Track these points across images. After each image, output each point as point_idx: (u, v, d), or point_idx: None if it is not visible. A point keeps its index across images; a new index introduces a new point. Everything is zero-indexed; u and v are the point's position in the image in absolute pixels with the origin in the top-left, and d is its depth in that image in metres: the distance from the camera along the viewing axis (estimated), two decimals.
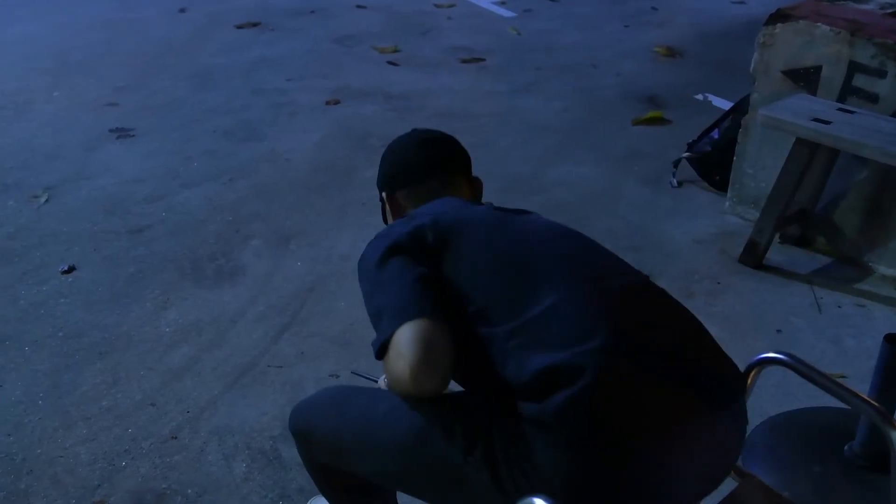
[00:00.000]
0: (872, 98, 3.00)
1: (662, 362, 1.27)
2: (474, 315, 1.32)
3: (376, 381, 1.78)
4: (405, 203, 1.68)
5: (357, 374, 2.12)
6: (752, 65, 3.30)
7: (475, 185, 1.76)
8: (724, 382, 1.32)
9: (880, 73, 2.96)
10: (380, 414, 1.39)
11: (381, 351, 1.29)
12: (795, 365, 1.47)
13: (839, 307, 2.93)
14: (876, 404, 1.39)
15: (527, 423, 1.22)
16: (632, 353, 1.25)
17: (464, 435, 1.27)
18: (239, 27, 5.79)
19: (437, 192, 1.64)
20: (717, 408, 1.28)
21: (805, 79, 3.15)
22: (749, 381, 1.55)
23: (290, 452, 2.23)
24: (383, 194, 1.73)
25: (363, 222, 3.37)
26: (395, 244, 1.39)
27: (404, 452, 1.34)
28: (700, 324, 1.39)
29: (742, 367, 1.56)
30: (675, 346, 1.31)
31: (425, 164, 1.69)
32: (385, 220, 1.78)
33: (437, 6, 6.36)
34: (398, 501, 1.80)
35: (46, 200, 3.54)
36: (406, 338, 1.24)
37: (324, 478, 1.67)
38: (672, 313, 1.38)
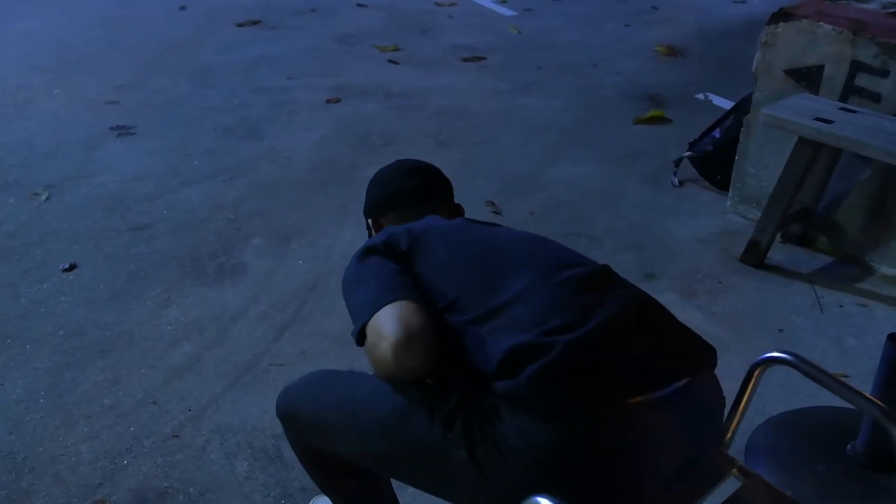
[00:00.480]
0: (875, 97, 3.00)
1: (622, 341, 1.31)
2: (447, 307, 1.38)
3: None
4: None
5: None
6: (755, 64, 3.30)
7: (457, 212, 1.83)
8: (682, 358, 1.36)
9: (883, 73, 2.96)
10: (362, 394, 1.43)
11: (361, 336, 1.35)
12: (800, 364, 1.46)
13: (841, 307, 2.93)
14: (881, 403, 1.38)
15: (501, 399, 1.26)
16: (593, 332, 1.29)
17: (444, 414, 1.30)
18: (239, 25, 5.79)
19: (420, 217, 1.70)
20: (675, 383, 1.30)
21: (807, 78, 3.15)
22: (753, 379, 1.54)
23: (291, 451, 2.21)
24: (369, 221, 1.83)
25: (364, 221, 3.36)
26: (371, 247, 1.49)
27: (386, 432, 1.37)
28: (658, 303, 1.43)
29: (745, 367, 1.56)
30: (635, 323, 1.35)
31: (409, 193, 1.78)
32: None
33: (437, 5, 6.36)
34: (393, 489, 1.80)
35: (47, 198, 3.54)
36: (385, 319, 1.30)
37: (312, 461, 1.70)
38: (632, 293, 1.42)
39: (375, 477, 1.71)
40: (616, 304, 1.35)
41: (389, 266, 1.43)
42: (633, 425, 1.26)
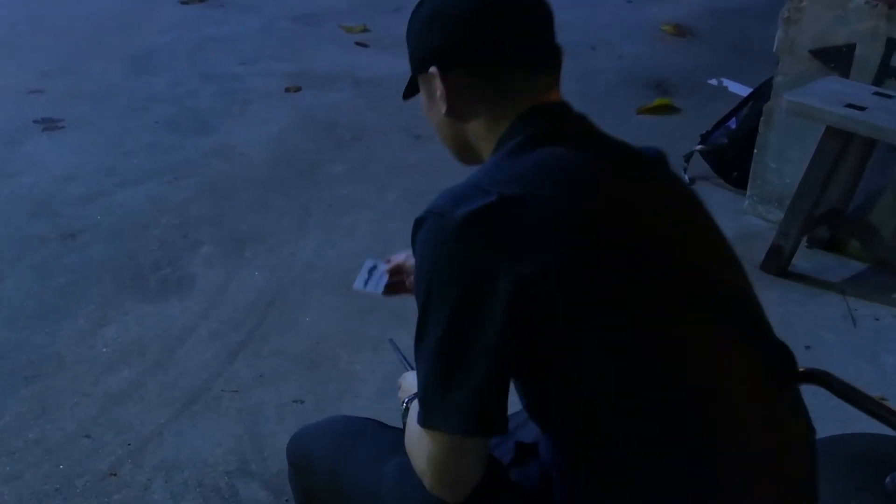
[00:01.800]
0: None
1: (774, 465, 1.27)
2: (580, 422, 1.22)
3: (409, 367, 1.62)
4: (471, 97, 1.31)
5: (394, 346, 1.82)
6: (776, 44, 3.33)
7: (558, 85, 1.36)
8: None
9: None
10: (390, 471, 1.40)
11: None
12: (834, 384, 1.47)
13: (876, 320, 2.95)
14: None
15: None
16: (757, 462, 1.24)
17: None
18: (184, 3, 5.79)
19: (522, 94, 1.29)
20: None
21: (837, 59, 3.18)
22: None
23: (248, 490, 2.21)
24: (433, 69, 1.32)
25: (330, 224, 3.36)
26: (489, 271, 1.12)
27: None
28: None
29: None
30: (783, 452, 1.32)
31: (514, 36, 1.28)
32: (425, 109, 1.47)
33: None
34: None
35: None
36: (437, 456, 1.23)
37: None
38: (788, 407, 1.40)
39: None
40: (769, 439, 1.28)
41: (492, 353, 1.14)
42: None
